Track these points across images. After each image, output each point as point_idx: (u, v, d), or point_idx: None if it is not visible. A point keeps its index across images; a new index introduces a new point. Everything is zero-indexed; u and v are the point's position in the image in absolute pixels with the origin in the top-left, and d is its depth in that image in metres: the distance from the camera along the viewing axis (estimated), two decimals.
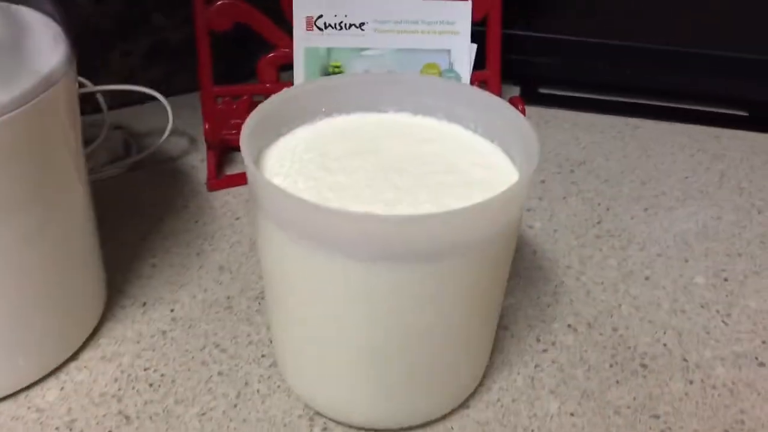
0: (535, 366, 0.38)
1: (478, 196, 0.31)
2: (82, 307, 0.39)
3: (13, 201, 0.32)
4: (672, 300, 0.43)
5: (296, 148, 0.35)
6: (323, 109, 0.37)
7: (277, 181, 0.32)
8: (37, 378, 0.36)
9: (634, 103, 0.63)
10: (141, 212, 0.49)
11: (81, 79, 0.52)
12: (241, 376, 0.37)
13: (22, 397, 0.36)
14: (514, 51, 0.61)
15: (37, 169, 0.32)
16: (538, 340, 0.40)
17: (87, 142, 0.51)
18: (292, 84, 0.53)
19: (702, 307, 0.42)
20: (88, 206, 0.38)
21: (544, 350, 0.39)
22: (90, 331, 0.39)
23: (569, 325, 0.41)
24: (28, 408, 0.35)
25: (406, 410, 0.34)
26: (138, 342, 0.39)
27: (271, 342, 0.39)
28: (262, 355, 0.38)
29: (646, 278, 0.44)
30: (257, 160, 0.33)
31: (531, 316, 0.41)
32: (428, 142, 0.36)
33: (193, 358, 0.38)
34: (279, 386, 0.37)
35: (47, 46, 0.33)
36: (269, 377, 0.37)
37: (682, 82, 0.62)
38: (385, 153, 0.35)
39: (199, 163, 0.54)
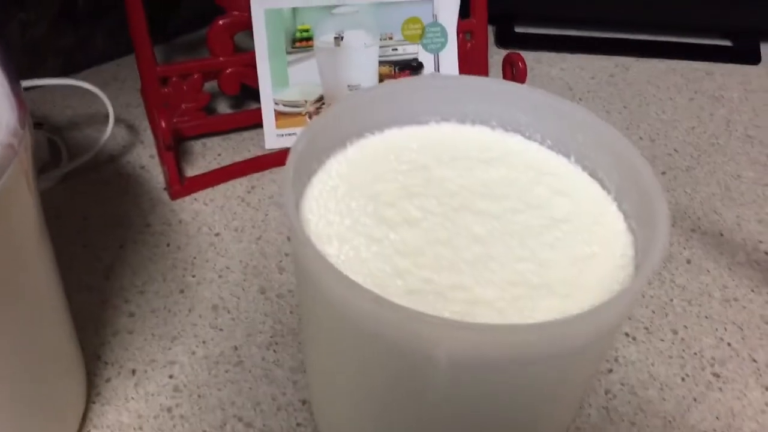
0: (606, 392, 0.34)
1: (579, 246, 0.26)
2: (62, 397, 0.30)
3: None
4: (721, 287, 0.39)
5: (337, 190, 0.27)
6: (354, 131, 0.29)
7: (332, 250, 0.25)
8: None
9: (619, 38, 0.58)
10: (93, 240, 0.39)
11: None
12: None
13: None
14: None
15: None
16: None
17: None
18: (252, 55, 0.44)
19: (753, 291, 0.39)
20: (51, 263, 0.29)
21: (610, 370, 0.35)
22: (77, 426, 0.31)
23: (626, 334, 0.37)
24: None
25: None
26: (140, 428, 0.32)
27: (303, 404, 0.33)
28: (298, 424, 0.32)
29: (688, 261, 0.41)
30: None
31: None
32: (490, 163, 0.29)
33: None
34: None
35: None
36: None
37: (666, 14, 0.57)
38: (444, 186, 0.28)
39: (148, 160, 0.45)
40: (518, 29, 0.58)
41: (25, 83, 0.41)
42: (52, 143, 0.44)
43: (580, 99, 0.52)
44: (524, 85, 0.30)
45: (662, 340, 0.37)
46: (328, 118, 0.27)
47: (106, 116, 0.43)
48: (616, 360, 0.36)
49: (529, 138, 0.30)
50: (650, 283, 0.39)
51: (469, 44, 0.50)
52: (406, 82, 0.30)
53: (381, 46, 0.46)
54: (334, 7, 0.45)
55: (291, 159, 0.25)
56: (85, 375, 0.32)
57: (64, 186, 0.42)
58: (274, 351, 0.35)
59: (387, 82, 0.31)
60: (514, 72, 0.48)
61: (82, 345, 0.34)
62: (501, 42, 0.57)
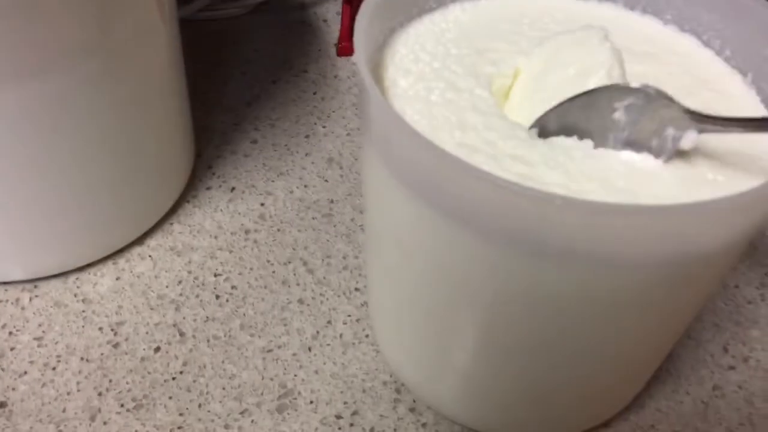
0: (714, 387, 0.28)
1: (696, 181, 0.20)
2: (160, 180, 0.32)
3: (78, 42, 0.24)
4: None
5: (445, 34, 0.24)
6: None
7: (404, 83, 0.22)
8: (93, 260, 0.31)
9: None
10: (254, 69, 0.40)
11: None
12: (324, 310, 0.30)
13: (72, 279, 0.30)
14: None
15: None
16: (726, 351, 0.29)
17: None
18: None
19: None
20: (173, 54, 0.30)
21: (731, 367, 0.28)
22: (164, 211, 0.32)
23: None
24: (75, 295, 0.30)
25: (522, 422, 0.26)
26: (216, 237, 0.32)
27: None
28: (356, 288, 0.30)
29: None
30: (383, 46, 0.23)
31: (722, 312, 0.30)
32: (641, 59, 0.24)
33: (274, 273, 0.31)
34: (367, 335, 0.29)
35: None
36: (357, 320, 0.29)
37: None
38: (567, 66, 0.23)
39: (333, 16, 0.44)
40: None
41: None
42: None
43: None
44: None
45: None
46: None
47: None
48: (745, 360, 0.29)
49: (705, 44, 0.24)
50: None
51: None
52: None
53: None
54: None
55: None
56: (189, 169, 0.34)
57: (251, 17, 0.44)
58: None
59: None
60: None
61: (200, 153, 0.35)
62: None
